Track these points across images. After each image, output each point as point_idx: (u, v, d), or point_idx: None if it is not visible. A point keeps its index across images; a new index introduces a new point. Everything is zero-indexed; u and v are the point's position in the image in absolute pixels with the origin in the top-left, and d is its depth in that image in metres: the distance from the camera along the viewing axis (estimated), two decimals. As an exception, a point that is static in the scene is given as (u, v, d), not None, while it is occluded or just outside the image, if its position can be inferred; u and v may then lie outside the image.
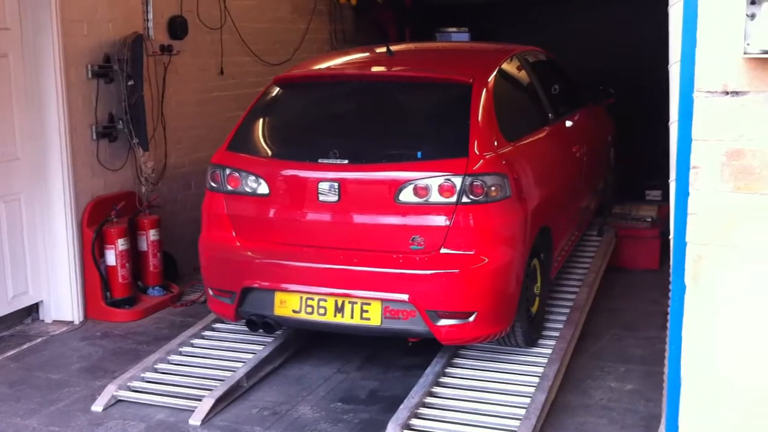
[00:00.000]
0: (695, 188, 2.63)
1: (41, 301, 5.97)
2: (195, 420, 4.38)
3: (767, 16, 2.43)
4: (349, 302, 4.53)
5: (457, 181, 4.39)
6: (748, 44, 2.47)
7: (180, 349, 5.18)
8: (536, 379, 4.56)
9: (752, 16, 2.44)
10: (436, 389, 4.52)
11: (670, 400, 2.84)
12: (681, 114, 2.67)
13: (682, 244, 2.69)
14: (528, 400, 4.33)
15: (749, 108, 2.55)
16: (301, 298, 4.62)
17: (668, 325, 2.88)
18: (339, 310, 4.55)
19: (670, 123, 2.83)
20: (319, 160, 4.63)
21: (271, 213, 4.75)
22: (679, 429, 2.80)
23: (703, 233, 2.64)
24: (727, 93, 2.57)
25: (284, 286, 4.65)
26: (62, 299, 5.94)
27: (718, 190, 2.61)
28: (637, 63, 8.25)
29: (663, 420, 3.11)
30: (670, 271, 2.85)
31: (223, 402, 4.55)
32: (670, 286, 2.82)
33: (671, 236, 2.83)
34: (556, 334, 5.14)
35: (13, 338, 5.65)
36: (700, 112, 2.60)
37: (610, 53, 8.53)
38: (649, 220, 7.26)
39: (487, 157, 4.51)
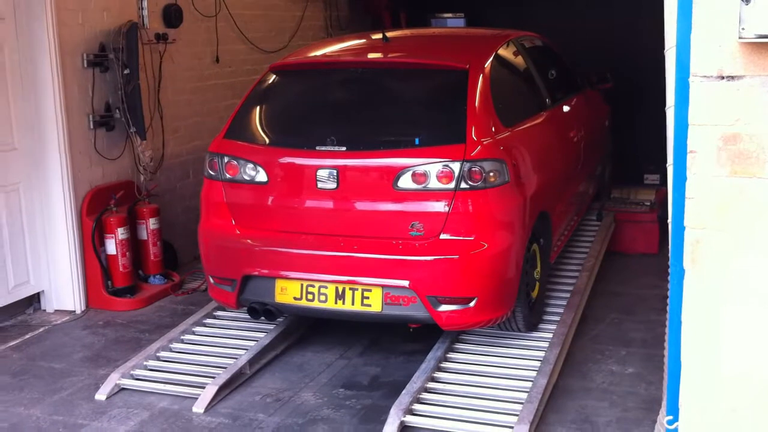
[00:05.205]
0: (692, 173, 2.65)
1: (42, 291, 5.99)
2: (198, 407, 4.41)
3: (762, 0, 2.43)
4: (350, 289, 4.55)
5: (456, 167, 4.40)
6: (743, 29, 2.47)
7: (182, 337, 5.21)
8: (537, 363, 4.58)
9: (747, 1, 2.44)
10: (438, 374, 4.55)
11: (670, 382, 2.87)
12: (677, 99, 2.67)
13: (680, 228, 2.71)
14: (529, 384, 4.36)
15: (745, 92, 2.55)
16: (302, 285, 4.64)
17: (668, 308, 2.90)
18: (340, 296, 4.57)
19: (666, 108, 2.84)
20: (317, 148, 4.64)
21: (270, 201, 4.76)
22: (679, 411, 2.83)
23: (700, 217, 2.65)
24: (722, 78, 2.57)
25: (285, 273, 4.67)
26: (63, 289, 5.96)
27: (715, 175, 2.62)
28: (636, 47, 8.25)
29: (664, 402, 3.14)
30: (669, 255, 2.87)
31: (226, 389, 4.58)
32: (669, 270, 2.84)
33: (669, 220, 2.85)
34: (557, 318, 5.16)
35: (15, 328, 5.67)
36: (695, 97, 2.61)
37: (609, 37, 8.51)
38: (648, 204, 7.27)
39: (484, 142, 4.52)
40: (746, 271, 2.64)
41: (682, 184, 2.67)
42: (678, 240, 2.73)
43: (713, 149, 2.60)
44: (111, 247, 5.96)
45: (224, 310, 5.48)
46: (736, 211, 2.62)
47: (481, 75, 4.82)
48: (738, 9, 2.46)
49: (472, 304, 4.44)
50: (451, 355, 4.79)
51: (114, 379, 4.67)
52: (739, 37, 2.47)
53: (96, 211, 5.95)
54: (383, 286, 4.50)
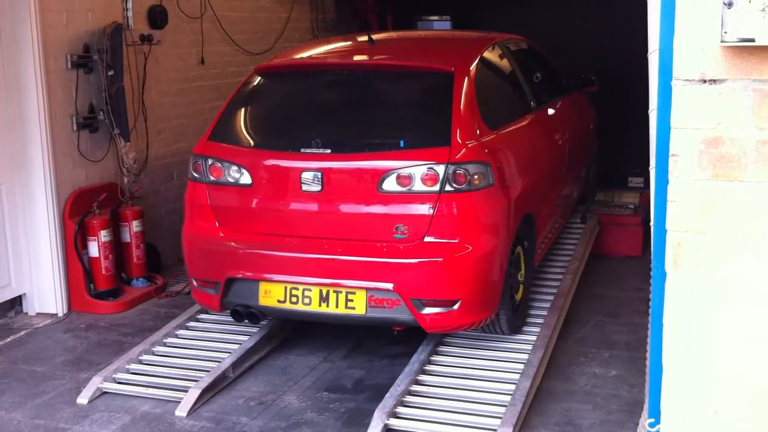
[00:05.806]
0: (674, 176, 2.65)
1: (24, 294, 5.94)
2: (181, 411, 4.39)
3: (744, 4, 2.44)
4: (334, 292, 4.54)
5: (440, 169, 4.40)
6: (725, 32, 2.48)
7: (165, 341, 5.17)
8: (521, 366, 4.59)
9: (729, 4, 2.45)
10: (422, 377, 4.55)
11: (652, 385, 2.87)
12: (660, 102, 2.68)
13: (662, 231, 2.72)
14: (513, 386, 4.36)
15: (727, 96, 2.56)
16: (286, 288, 4.62)
17: (650, 311, 2.91)
18: (324, 299, 4.56)
19: (649, 111, 2.85)
20: (302, 150, 4.63)
21: (254, 203, 4.75)
22: (660, 414, 2.83)
23: (682, 220, 2.66)
24: (704, 81, 2.58)
25: (268, 276, 4.65)
26: (45, 292, 5.91)
27: (697, 178, 2.63)
28: (622, 50, 8.27)
29: (646, 405, 3.14)
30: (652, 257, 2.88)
31: (209, 393, 4.56)
32: (652, 273, 2.85)
33: (652, 223, 2.86)
34: (541, 321, 5.17)
35: (-4, 331, 5.64)
36: (678, 101, 2.62)
37: (595, 41, 8.53)
38: (632, 207, 7.30)
39: (469, 145, 4.53)
40: (727, 273, 2.65)
41: (664, 188, 2.68)
42: (660, 243, 2.73)
43: (695, 152, 2.61)
44: (93, 249, 5.93)
45: (207, 313, 5.45)
46: (718, 215, 2.62)
47: (467, 78, 4.83)
48: (720, 13, 2.46)
49: (456, 306, 4.44)
50: (435, 358, 4.79)
51: (96, 383, 4.64)
52: (722, 41, 2.48)
53: (79, 213, 5.91)
54: (367, 289, 4.49)
